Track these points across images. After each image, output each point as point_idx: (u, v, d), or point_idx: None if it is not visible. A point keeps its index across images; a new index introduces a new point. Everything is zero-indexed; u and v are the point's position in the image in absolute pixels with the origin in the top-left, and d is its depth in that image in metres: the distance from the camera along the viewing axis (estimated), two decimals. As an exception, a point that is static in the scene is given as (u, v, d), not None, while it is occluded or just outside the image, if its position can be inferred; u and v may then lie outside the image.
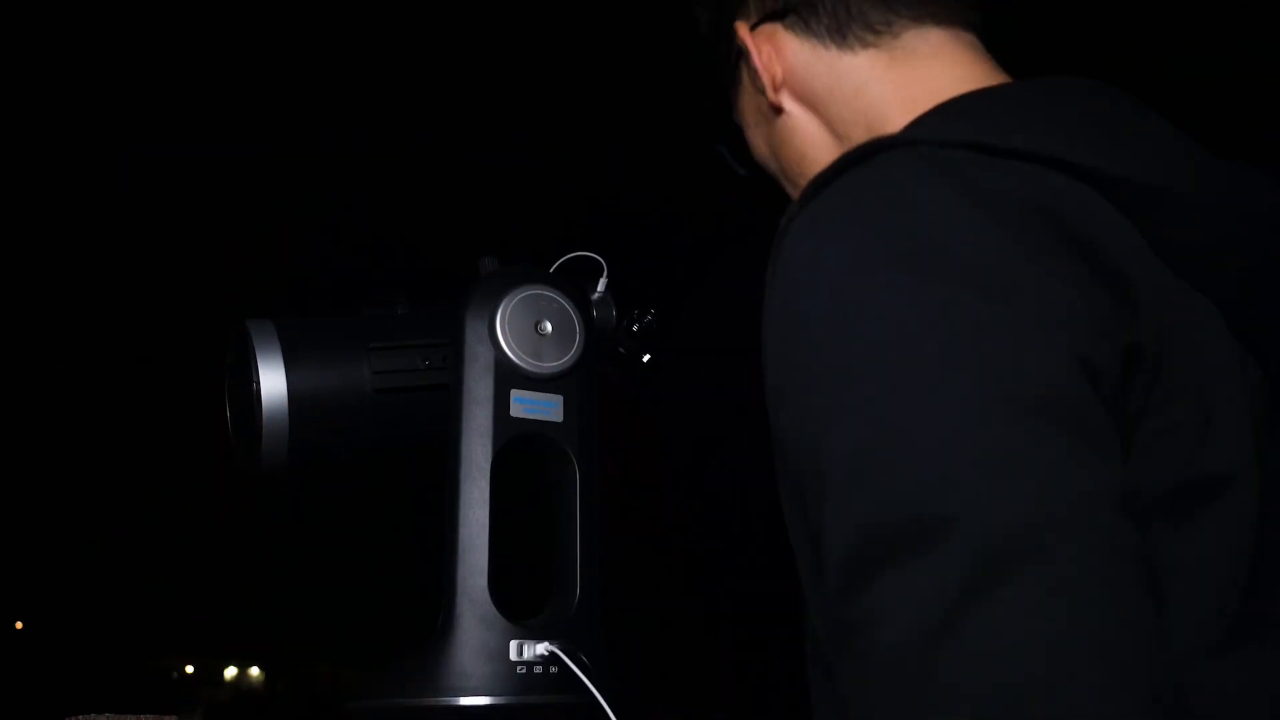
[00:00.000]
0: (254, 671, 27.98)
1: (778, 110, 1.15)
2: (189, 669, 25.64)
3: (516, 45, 5.31)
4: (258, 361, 1.20)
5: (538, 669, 1.15)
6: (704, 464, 8.47)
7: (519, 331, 1.22)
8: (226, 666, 27.73)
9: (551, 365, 1.23)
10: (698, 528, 8.70)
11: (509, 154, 5.89)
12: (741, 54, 1.16)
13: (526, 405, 1.22)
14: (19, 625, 17.07)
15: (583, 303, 1.26)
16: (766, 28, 1.13)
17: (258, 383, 1.20)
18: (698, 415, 7.90)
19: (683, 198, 6.03)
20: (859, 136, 1.08)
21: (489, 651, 1.15)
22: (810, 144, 1.14)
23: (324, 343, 1.24)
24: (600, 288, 1.31)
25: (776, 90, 1.14)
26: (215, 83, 5.63)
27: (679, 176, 5.91)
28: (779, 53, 1.13)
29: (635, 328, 1.30)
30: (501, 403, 1.20)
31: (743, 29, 1.14)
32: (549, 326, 1.23)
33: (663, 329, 1.29)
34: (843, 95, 1.10)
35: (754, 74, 1.15)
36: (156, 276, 7.10)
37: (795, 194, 1.14)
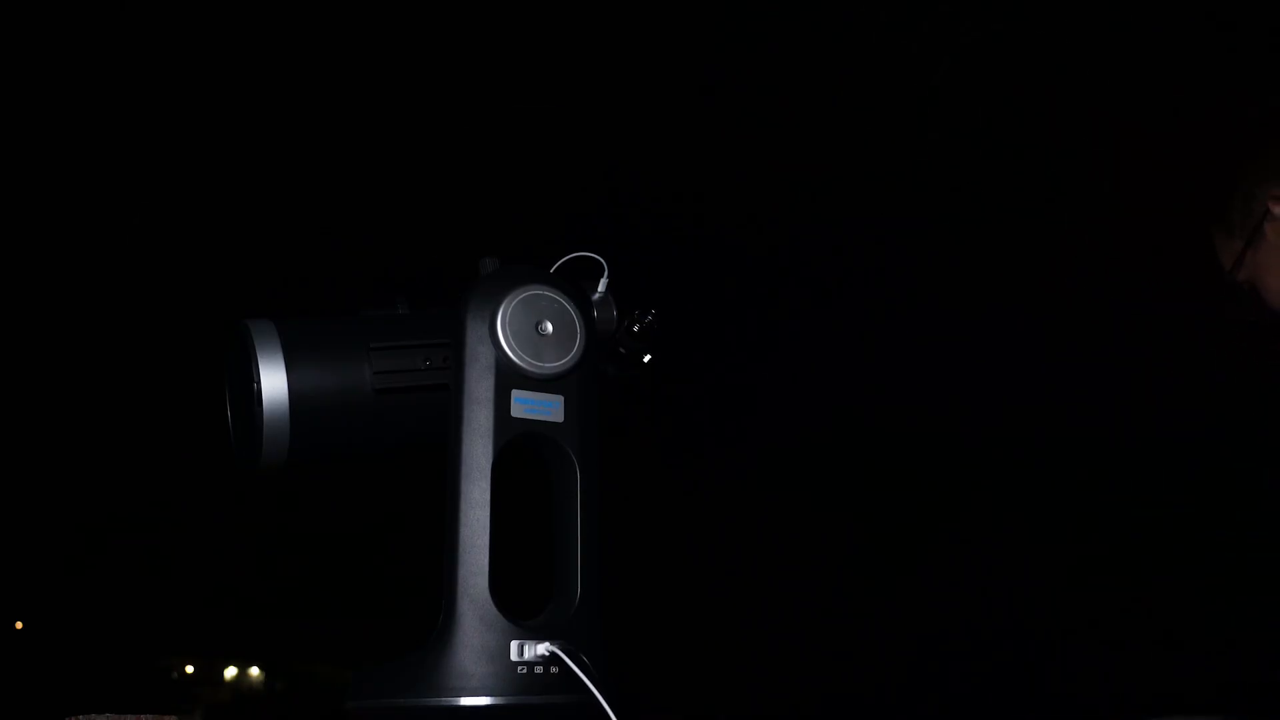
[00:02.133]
0: (254, 671, 27.96)
1: None
2: (189, 669, 25.62)
3: (517, 45, 5.31)
4: (258, 361, 1.20)
5: (538, 669, 1.15)
6: (703, 463, 8.47)
7: (519, 332, 1.22)
8: (226, 666, 27.71)
9: (552, 365, 1.22)
10: (698, 527, 8.70)
11: (509, 154, 5.89)
12: (1267, 216, 1.47)
13: (527, 405, 1.22)
14: (19, 625, 17.06)
15: (584, 303, 1.26)
16: None
17: (259, 382, 1.20)
18: (698, 415, 7.90)
19: (683, 198, 6.02)
20: None
21: (489, 652, 1.15)
22: None
23: (325, 343, 1.24)
24: (601, 288, 1.31)
25: None
26: (214, 81, 5.63)
27: (679, 176, 5.91)
28: None
29: (636, 328, 1.30)
30: (502, 403, 1.20)
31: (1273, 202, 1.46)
32: (550, 327, 1.23)
33: (663, 329, 1.29)
34: None
35: None
36: (156, 276, 7.10)
37: None
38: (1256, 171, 1.51)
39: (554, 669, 1.15)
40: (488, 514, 1.18)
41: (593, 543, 1.22)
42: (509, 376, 1.21)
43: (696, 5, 4.96)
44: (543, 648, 1.15)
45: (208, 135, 5.98)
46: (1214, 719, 1.69)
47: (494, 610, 1.15)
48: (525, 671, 1.15)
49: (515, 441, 1.21)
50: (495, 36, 5.28)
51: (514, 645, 1.15)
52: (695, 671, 8.58)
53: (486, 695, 1.13)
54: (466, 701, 1.13)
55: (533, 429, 1.22)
